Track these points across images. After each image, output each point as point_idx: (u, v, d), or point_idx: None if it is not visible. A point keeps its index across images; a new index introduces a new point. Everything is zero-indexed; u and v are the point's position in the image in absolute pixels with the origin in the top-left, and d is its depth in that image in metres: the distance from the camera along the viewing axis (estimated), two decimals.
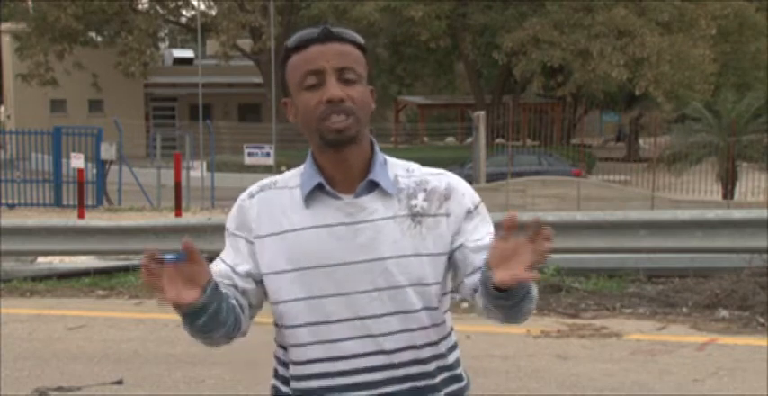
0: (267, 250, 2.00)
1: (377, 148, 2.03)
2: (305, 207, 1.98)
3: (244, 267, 2.01)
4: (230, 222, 2.06)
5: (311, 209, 1.98)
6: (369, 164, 1.99)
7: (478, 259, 1.93)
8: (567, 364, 6.00)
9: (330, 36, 1.95)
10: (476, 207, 2.03)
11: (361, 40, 1.99)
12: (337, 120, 1.91)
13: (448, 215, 2.00)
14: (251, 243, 2.01)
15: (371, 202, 1.97)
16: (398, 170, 2.04)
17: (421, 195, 2.00)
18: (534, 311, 2.03)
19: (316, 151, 2.00)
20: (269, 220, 2.01)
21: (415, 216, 1.98)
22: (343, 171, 1.98)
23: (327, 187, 1.97)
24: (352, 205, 1.97)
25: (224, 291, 1.94)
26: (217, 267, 2.01)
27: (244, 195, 2.07)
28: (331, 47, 1.94)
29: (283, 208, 2.01)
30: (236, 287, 2.00)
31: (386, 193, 1.98)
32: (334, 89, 1.91)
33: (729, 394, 5.35)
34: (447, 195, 2.01)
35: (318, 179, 1.98)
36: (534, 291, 1.89)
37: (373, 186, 1.98)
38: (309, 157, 2.02)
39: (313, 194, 1.98)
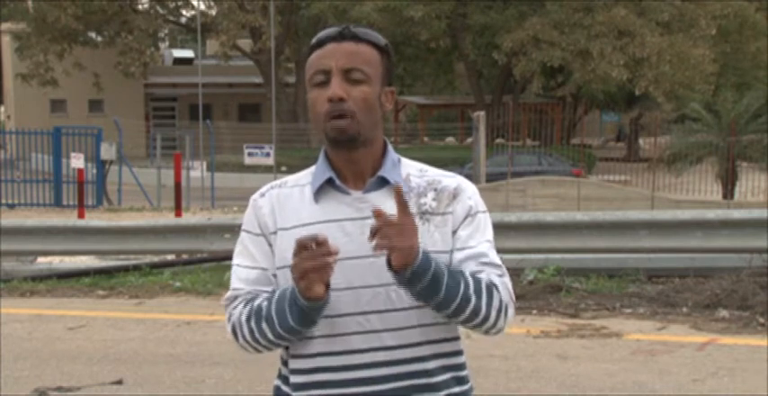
0: (279, 245, 2.01)
1: (390, 149, 2.06)
2: (315, 202, 2.01)
3: (271, 270, 2.03)
4: (249, 224, 2.07)
5: (321, 204, 2.01)
6: (380, 163, 2.02)
7: (462, 266, 1.98)
8: (566, 364, 5.99)
9: (347, 35, 1.98)
10: (476, 213, 2.04)
11: (380, 40, 2.01)
12: (338, 119, 1.94)
13: (453, 213, 2.02)
14: (269, 241, 2.03)
15: (380, 199, 1.98)
16: (411, 170, 2.07)
17: (431, 194, 2.03)
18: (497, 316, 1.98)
19: (327, 147, 2.04)
20: (280, 215, 2.03)
21: (424, 214, 2.00)
22: (353, 169, 2.01)
23: (337, 182, 2.00)
24: (361, 200, 1.99)
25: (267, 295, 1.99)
26: (249, 274, 2.04)
27: (255, 195, 2.10)
28: (344, 46, 1.97)
29: (294, 204, 2.03)
30: (273, 292, 2.02)
31: None
32: (335, 88, 1.94)
33: (729, 394, 5.35)
34: (455, 194, 2.03)
35: (329, 174, 2.01)
36: (440, 285, 1.87)
37: (383, 183, 2.00)
38: (322, 153, 2.06)
39: (323, 189, 2.01)
